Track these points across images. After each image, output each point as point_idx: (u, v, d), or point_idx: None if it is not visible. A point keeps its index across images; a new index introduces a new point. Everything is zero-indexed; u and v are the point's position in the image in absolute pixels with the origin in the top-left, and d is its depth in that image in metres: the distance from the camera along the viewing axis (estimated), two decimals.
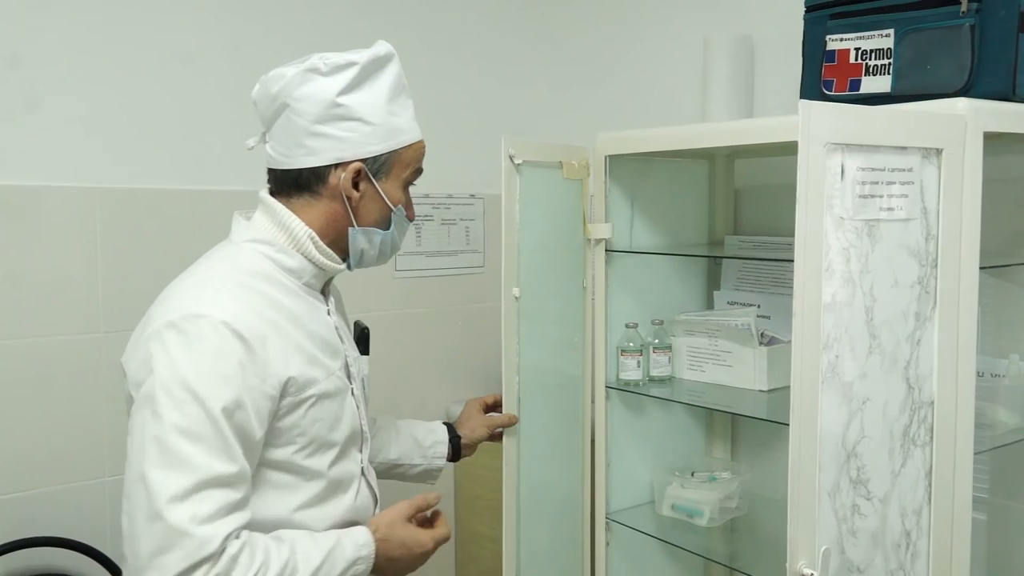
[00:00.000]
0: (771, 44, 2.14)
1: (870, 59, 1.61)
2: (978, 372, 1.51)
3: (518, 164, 1.77)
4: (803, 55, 1.74)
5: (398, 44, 1.44)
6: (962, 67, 1.51)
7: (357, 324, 1.59)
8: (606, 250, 1.95)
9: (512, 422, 1.78)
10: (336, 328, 1.41)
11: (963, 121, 1.39)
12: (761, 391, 1.89)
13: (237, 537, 1.20)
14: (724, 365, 1.96)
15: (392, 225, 1.40)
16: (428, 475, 1.75)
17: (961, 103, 1.41)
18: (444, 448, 1.74)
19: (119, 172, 2.10)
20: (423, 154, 1.42)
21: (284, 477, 1.31)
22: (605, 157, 1.94)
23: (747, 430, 2.19)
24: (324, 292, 1.43)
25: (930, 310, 1.41)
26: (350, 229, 1.37)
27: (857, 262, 1.34)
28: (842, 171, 1.31)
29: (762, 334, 1.95)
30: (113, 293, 2.09)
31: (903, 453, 1.41)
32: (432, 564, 1.46)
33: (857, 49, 1.63)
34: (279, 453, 1.29)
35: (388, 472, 1.72)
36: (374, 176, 1.35)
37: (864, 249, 1.34)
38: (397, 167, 1.37)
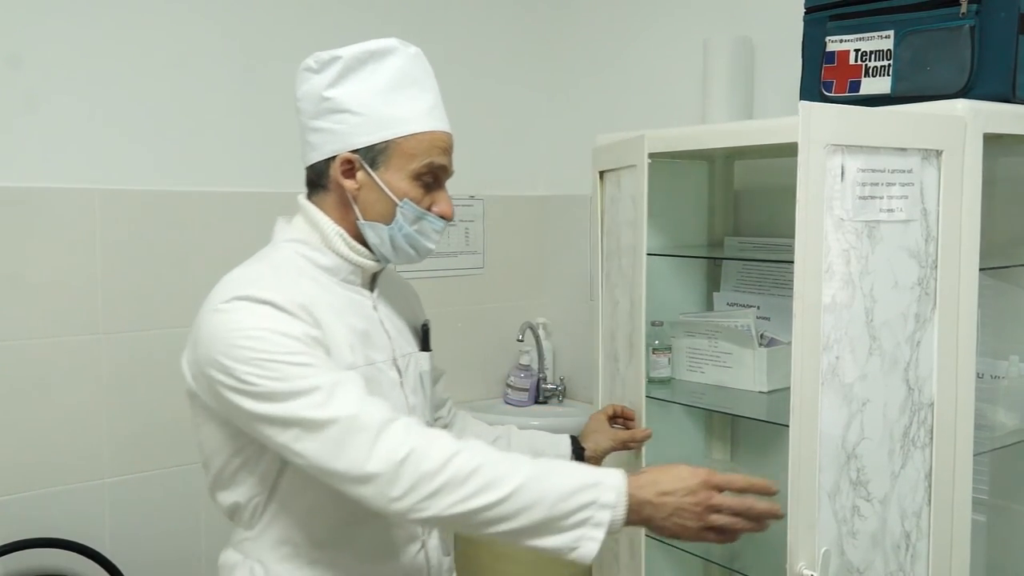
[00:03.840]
0: (771, 46, 2.14)
1: (870, 60, 1.61)
2: (978, 373, 1.50)
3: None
4: (803, 56, 1.74)
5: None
6: (962, 68, 1.50)
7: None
8: None
9: (646, 436, 1.63)
10: (382, 322, 1.39)
11: (963, 122, 1.38)
12: (761, 392, 1.89)
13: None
14: (724, 366, 1.96)
15: (398, 219, 1.33)
16: None
17: (961, 104, 1.41)
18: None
19: (119, 173, 2.10)
20: (437, 147, 1.33)
21: None
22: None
23: (747, 431, 2.19)
24: (374, 288, 1.41)
25: (930, 311, 1.40)
26: (358, 222, 1.34)
27: (857, 263, 1.33)
28: (842, 172, 1.31)
29: (762, 335, 1.95)
30: (113, 294, 2.09)
31: (903, 454, 1.41)
32: None
33: (857, 50, 1.63)
34: None
35: None
36: (372, 167, 1.31)
37: (864, 250, 1.34)
38: (398, 158, 1.30)
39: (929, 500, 1.42)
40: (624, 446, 1.63)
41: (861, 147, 1.31)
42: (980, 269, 1.44)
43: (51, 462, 2.03)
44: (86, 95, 2.05)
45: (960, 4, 1.50)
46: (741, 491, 1.21)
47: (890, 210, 1.35)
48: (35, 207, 1.99)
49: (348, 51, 1.30)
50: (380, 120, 1.29)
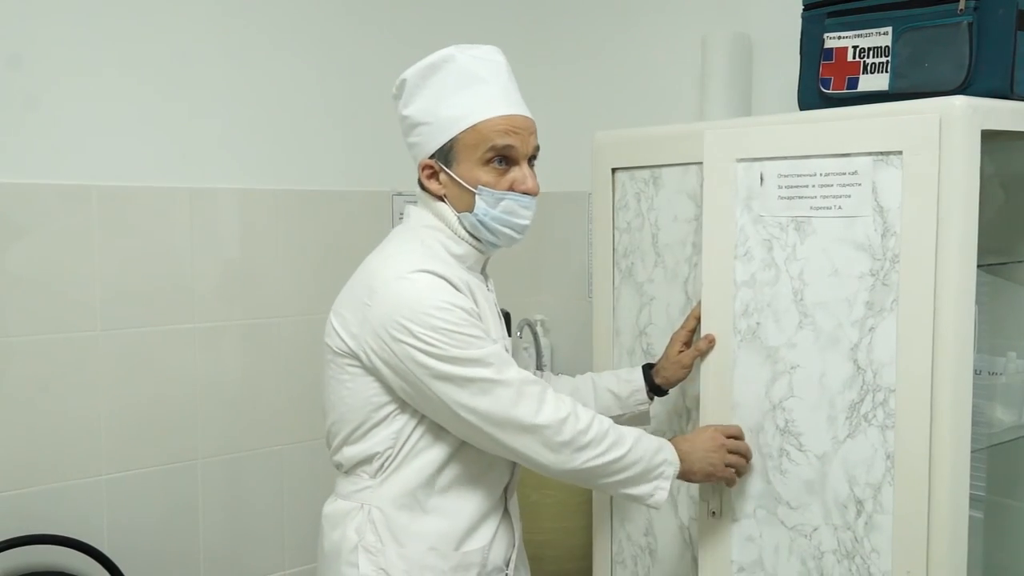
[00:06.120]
0: (769, 42, 2.14)
1: (868, 57, 1.62)
2: (976, 370, 1.50)
3: None
4: (801, 53, 1.74)
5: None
6: (960, 65, 1.51)
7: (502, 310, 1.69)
8: None
9: (710, 346, 1.68)
10: (495, 305, 1.57)
11: (935, 120, 1.36)
12: None
13: None
14: None
15: (480, 205, 1.45)
16: (638, 420, 1.74)
17: (958, 101, 1.41)
18: (643, 394, 1.73)
19: (116, 170, 2.10)
20: (496, 130, 1.43)
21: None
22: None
23: None
24: (483, 273, 1.57)
25: (890, 302, 1.41)
26: (459, 215, 1.48)
27: (782, 251, 1.53)
28: (761, 178, 1.53)
29: None
30: (110, 291, 2.09)
31: (850, 425, 1.48)
32: None
33: (855, 47, 1.63)
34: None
35: None
36: (447, 165, 1.45)
37: (790, 240, 1.51)
38: (463, 151, 1.44)
39: (892, 479, 1.43)
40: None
41: (783, 157, 1.50)
42: (978, 266, 1.44)
43: (49, 458, 2.03)
44: (84, 93, 2.05)
45: (958, 1, 1.50)
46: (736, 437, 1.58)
47: (826, 208, 1.47)
48: (32, 205, 1.99)
49: (410, 71, 1.46)
50: (442, 123, 1.44)
